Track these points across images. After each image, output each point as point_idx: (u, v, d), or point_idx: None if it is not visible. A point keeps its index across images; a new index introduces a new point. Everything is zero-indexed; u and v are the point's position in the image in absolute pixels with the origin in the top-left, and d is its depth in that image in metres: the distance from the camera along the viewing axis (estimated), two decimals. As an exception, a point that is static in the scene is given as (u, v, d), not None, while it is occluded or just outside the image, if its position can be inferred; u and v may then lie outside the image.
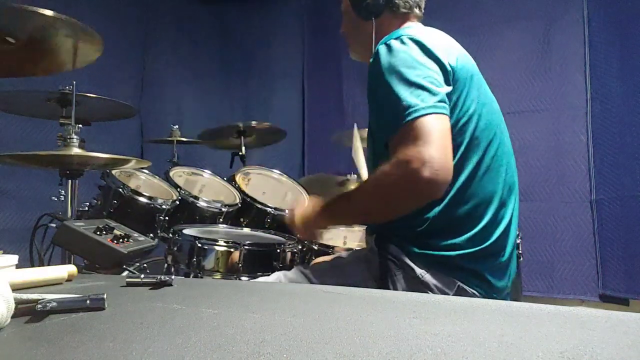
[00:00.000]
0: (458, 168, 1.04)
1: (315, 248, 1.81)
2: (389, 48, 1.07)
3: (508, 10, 3.04)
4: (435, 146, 0.94)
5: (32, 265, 1.46)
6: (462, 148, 1.06)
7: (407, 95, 0.99)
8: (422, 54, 1.05)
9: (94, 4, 3.07)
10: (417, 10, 1.28)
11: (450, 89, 1.04)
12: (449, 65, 1.05)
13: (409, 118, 0.96)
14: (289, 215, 1.28)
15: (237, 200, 2.17)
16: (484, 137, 1.08)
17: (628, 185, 2.62)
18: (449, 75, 1.05)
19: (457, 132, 1.05)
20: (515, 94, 2.97)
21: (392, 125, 1.00)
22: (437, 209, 1.06)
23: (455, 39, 1.24)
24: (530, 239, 2.85)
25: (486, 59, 3.01)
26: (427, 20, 1.32)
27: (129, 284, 0.81)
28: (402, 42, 1.07)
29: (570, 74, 2.85)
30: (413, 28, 1.18)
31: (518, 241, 1.47)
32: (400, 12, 1.25)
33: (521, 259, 1.24)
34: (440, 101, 0.99)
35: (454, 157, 1.03)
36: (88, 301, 0.62)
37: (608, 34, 2.73)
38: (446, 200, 1.06)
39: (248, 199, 2.12)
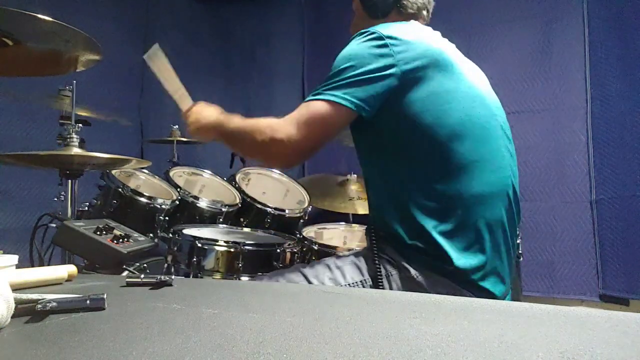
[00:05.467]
0: (419, 162, 1.07)
1: (315, 248, 1.81)
2: (355, 39, 1.12)
3: (508, 10, 3.04)
4: (303, 129, 1.03)
5: (32, 265, 1.46)
6: (426, 142, 1.05)
7: (330, 81, 1.06)
8: (376, 48, 1.06)
9: (94, 4, 3.07)
10: (424, 13, 1.28)
11: (385, 86, 1.04)
12: (409, 62, 1.05)
13: (309, 98, 1.06)
14: (189, 111, 1.33)
15: (237, 200, 2.17)
16: (451, 132, 1.05)
17: (628, 185, 2.62)
18: (401, 72, 1.04)
19: (426, 124, 1.05)
20: (515, 94, 2.97)
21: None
22: (410, 210, 1.06)
23: (455, 39, 1.23)
24: (530, 239, 2.85)
25: (486, 59, 3.01)
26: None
27: (129, 284, 0.80)
28: (365, 35, 1.10)
29: (570, 74, 2.85)
30: (392, 24, 1.17)
31: (518, 241, 1.46)
32: (407, 12, 1.26)
33: (521, 259, 1.23)
34: (352, 95, 1.02)
35: (419, 152, 1.06)
36: (88, 301, 0.62)
37: (608, 34, 2.73)
38: (416, 201, 1.06)
39: (248, 199, 2.12)
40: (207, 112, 1.26)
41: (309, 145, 1.06)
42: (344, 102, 1.03)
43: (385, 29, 1.11)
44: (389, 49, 1.06)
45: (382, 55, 1.05)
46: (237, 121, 1.18)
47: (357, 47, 1.09)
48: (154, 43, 1.33)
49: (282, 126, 1.05)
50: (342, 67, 1.06)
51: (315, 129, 1.05)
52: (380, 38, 1.08)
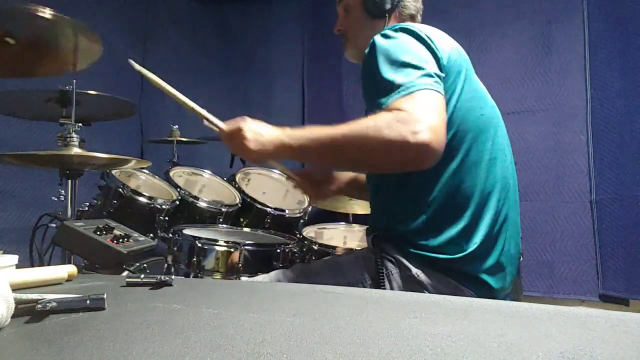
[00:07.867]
0: (444, 161, 1.02)
1: (315, 248, 1.80)
2: (384, 36, 1.08)
3: (508, 10, 3.03)
4: (437, 113, 0.90)
5: (32, 265, 1.46)
6: (448, 140, 1.04)
7: (401, 76, 0.95)
8: (416, 41, 1.06)
9: (94, 3, 3.07)
10: (419, 17, 1.31)
11: (443, 75, 1.04)
12: (440, 57, 1.06)
13: (405, 92, 0.91)
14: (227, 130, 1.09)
15: (237, 200, 2.17)
16: (471, 130, 1.07)
17: (628, 185, 2.62)
18: (440, 65, 1.05)
19: (453, 123, 1.05)
20: (515, 94, 2.96)
21: (384, 102, 0.93)
22: (428, 204, 1.06)
23: (455, 39, 1.24)
24: (530, 239, 2.85)
25: (486, 59, 3.01)
26: (426, 20, 1.32)
27: (129, 284, 0.80)
28: (396, 31, 1.09)
29: (570, 74, 2.85)
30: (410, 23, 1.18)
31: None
32: (406, 13, 1.28)
33: (521, 259, 1.23)
34: (436, 82, 0.98)
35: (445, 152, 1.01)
36: (88, 301, 0.62)
37: (608, 34, 2.72)
38: (434, 195, 1.06)
39: (248, 199, 2.13)
40: (266, 129, 1.04)
41: (445, 134, 0.91)
42: (439, 90, 0.97)
43: (405, 24, 1.12)
44: (424, 39, 1.07)
45: (424, 44, 1.06)
46: (326, 130, 0.96)
47: (398, 41, 1.06)
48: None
49: (413, 115, 0.86)
50: (403, 60, 1.01)
51: (444, 116, 0.94)
52: (412, 31, 1.08)
